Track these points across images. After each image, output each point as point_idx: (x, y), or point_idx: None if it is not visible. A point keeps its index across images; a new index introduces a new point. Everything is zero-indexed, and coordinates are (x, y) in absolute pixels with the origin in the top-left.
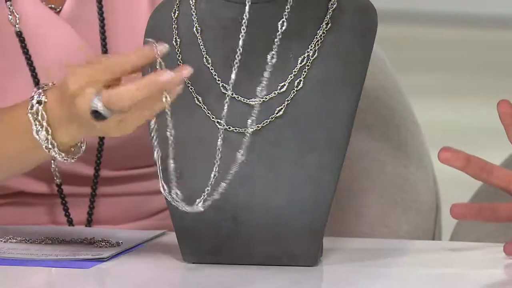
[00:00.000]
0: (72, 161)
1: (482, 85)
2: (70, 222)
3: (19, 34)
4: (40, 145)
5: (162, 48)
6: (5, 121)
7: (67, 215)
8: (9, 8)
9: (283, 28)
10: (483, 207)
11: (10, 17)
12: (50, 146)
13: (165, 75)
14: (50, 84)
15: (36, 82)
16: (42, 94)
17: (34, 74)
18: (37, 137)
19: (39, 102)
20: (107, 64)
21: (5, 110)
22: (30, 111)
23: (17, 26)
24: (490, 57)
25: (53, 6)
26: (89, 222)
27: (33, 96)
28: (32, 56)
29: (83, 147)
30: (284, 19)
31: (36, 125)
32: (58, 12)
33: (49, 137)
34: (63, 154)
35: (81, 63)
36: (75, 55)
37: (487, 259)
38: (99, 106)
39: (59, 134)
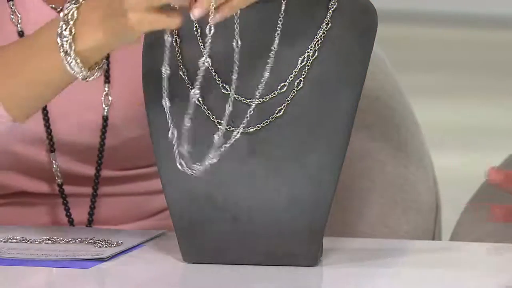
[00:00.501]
0: (87, 79)
1: (482, 85)
2: (71, 222)
3: (21, 34)
4: (59, 50)
5: None
6: (31, 39)
7: (68, 215)
8: (11, 8)
9: (284, 28)
10: None
11: (12, 16)
12: (67, 49)
13: None
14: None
15: None
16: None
17: None
18: (59, 41)
19: (76, 2)
20: None
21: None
22: (64, 12)
23: (19, 25)
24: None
25: (53, 6)
26: (90, 222)
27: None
28: None
29: (100, 72)
30: (280, 18)
31: (62, 27)
32: (59, 12)
33: (70, 38)
34: (79, 63)
35: None
36: None
37: (487, 259)
38: None
39: (83, 39)
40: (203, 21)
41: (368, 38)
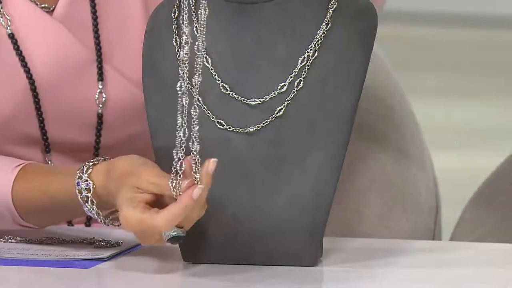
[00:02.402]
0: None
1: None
2: (69, 222)
3: (11, 36)
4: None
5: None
6: (52, 187)
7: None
8: (0, 11)
9: (284, 27)
10: None
11: (1, 19)
12: (96, 216)
13: (197, 191)
14: (90, 164)
15: (32, 83)
16: (89, 181)
17: (29, 75)
18: (89, 214)
19: (87, 190)
20: (158, 222)
21: (48, 170)
22: (79, 195)
23: (8, 28)
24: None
25: (46, 5)
26: (88, 220)
27: (79, 183)
28: (26, 57)
29: None
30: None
31: (87, 206)
32: (51, 12)
33: (100, 215)
34: (107, 221)
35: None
36: (68, 55)
37: (487, 259)
38: (180, 231)
39: (104, 207)
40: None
41: (368, 38)
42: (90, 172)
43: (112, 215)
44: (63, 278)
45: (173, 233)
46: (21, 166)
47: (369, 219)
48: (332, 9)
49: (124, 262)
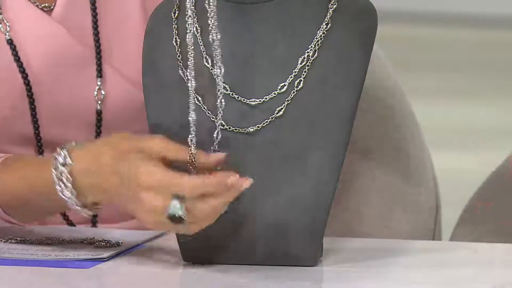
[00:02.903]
0: (95, 215)
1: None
2: (70, 222)
3: (10, 42)
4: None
5: (243, 182)
6: (29, 176)
7: (66, 217)
8: None
9: (284, 28)
10: None
11: (0, 25)
12: (73, 203)
13: (233, 179)
14: (73, 143)
15: (29, 90)
16: (67, 156)
17: (26, 81)
18: (61, 195)
19: (63, 164)
20: (184, 182)
21: (27, 160)
22: (54, 171)
23: (7, 34)
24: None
25: (46, 5)
26: (94, 222)
27: (56, 157)
28: (24, 62)
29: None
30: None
31: (60, 185)
32: (50, 11)
33: (73, 197)
34: (86, 210)
35: (157, 164)
36: (67, 55)
37: (487, 259)
38: (182, 212)
39: (85, 198)
40: (203, 21)
41: (368, 38)
42: (70, 149)
43: (93, 207)
44: (63, 278)
45: (179, 212)
46: (1, 160)
47: (369, 219)
48: (332, 9)
49: (124, 262)
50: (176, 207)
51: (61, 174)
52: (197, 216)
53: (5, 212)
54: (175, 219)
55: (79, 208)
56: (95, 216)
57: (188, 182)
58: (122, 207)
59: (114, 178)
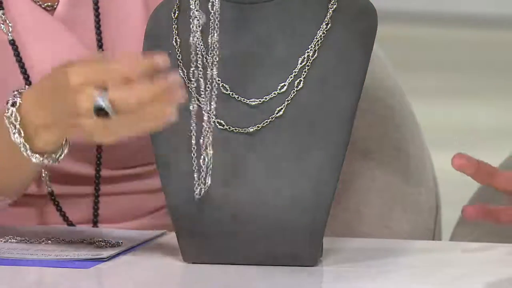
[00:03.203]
0: (55, 163)
1: (482, 85)
2: (70, 222)
3: (12, 43)
4: (19, 149)
5: (161, 59)
6: None
7: (66, 218)
8: (1, 17)
9: (284, 27)
10: (489, 210)
11: (3, 26)
12: (23, 148)
13: (174, 76)
14: (26, 87)
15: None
16: (18, 96)
17: (28, 82)
18: (13, 139)
19: (13, 104)
20: (109, 67)
21: None
22: (5, 114)
23: (10, 34)
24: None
25: (49, 4)
26: (94, 221)
27: (8, 99)
28: (26, 63)
29: (65, 150)
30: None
31: (11, 128)
32: (53, 10)
33: (22, 139)
34: (38, 156)
35: (80, 61)
36: (69, 56)
37: (487, 259)
38: (105, 103)
39: (34, 140)
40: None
41: (368, 38)
42: (21, 92)
43: (49, 153)
44: (63, 278)
45: (101, 103)
46: None
47: (369, 219)
48: (332, 9)
49: (124, 262)
50: (99, 98)
51: (11, 115)
52: (121, 107)
53: None
54: (100, 113)
55: (32, 155)
56: (95, 215)
57: (110, 68)
58: (70, 136)
59: (52, 102)
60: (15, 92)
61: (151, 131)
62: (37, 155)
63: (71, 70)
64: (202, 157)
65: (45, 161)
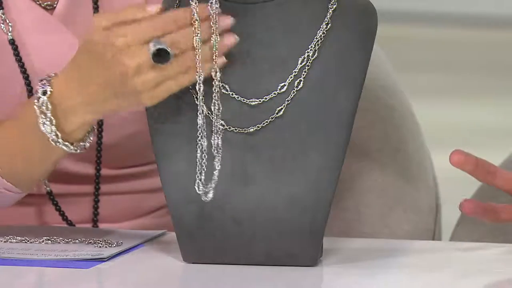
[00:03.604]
0: (82, 151)
1: (482, 85)
2: (70, 222)
3: (12, 42)
4: (47, 139)
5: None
6: (12, 122)
7: (65, 218)
8: (1, 17)
9: (284, 28)
10: (487, 207)
11: (3, 25)
12: (55, 137)
13: (227, 20)
14: (53, 74)
15: (30, 90)
16: (47, 84)
17: (27, 82)
18: (43, 129)
19: (44, 93)
20: (153, 22)
21: (15, 113)
22: (36, 103)
23: (9, 34)
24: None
25: (49, 3)
26: (94, 220)
27: (37, 88)
28: (26, 63)
29: (91, 137)
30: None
31: (42, 118)
32: (53, 9)
33: (53, 127)
34: (68, 144)
35: (116, 19)
36: (69, 55)
37: (487, 259)
38: (163, 45)
39: (67, 124)
40: None
41: (368, 38)
42: (50, 79)
43: (78, 142)
44: (63, 278)
45: (161, 45)
46: None
47: (369, 219)
48: (332, 9)
49: (124, 262)
50: (156, 42)
51: (41, 104)
52: (179, 45)
53: (7, 180)
54: (161, 57)
55: (62, 144)
56: (95, 215)
57: (161, 18)
58: (111, 110)
59: (94, 75)
60: (44, 81)
61: (200, 78)
62: (67, 143)
63: (109, 33)
64: (202, 156)
65: (73, 149)
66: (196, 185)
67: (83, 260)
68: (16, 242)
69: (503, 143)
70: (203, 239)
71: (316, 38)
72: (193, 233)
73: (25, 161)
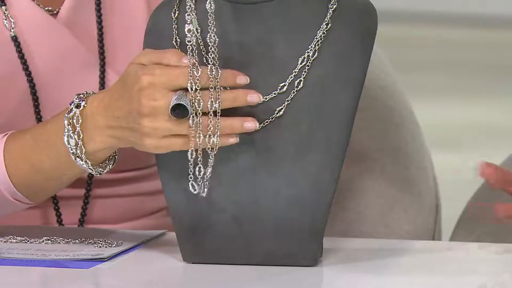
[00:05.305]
0: (100, 174)
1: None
2: (60, 224)
3: (15, 39)
4: (69, 153)
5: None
6: (38, 131)
7: (59, 220)
8: (4, 13)
9: (284, 27)
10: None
11: (5, 21)
12: (78, 152)
13: (255, 96)
14: (91, 92)
15: (32, 87)
16: (83, 99)
17: (30, 79)
18: (66, 142)
19: (77, 106)
20: (182, 71)
21: (42, 123)
22: (67, 115)
23: (12, 30)
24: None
25: (50, 8)
26: (81, 223)
27: (73, 101)
28: (28, 60)
29: (110, 165)
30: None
31: (68, 129)
32: (55, 15)
33: (79, 142)
34: (90, 163)
35: (153, 58)
36: (71, 58)
37: (487, 259)
38: (184, 100)
39: (91, 142)
40: (203, 21)
41: (368, 38)
42: (88, 95)
43: (101, 165)
44: (63, 278)
45: (183, 99)
46: (8, 134)
47: (369, 219)
48: (332, 9)
49: (124, 262)
50: (179, 95)
51: (72, 117)
52: (200, 106)
53: (18, 190)
54: (179, 112)
55: (83, 160)
56: (82, 216)
57: (187, 73)
58: (128, 140)
59: (119, 104)
60: (81, 95)
61: (219, 144)
62: (87, 161)
63: (142, 68)
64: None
65: (90, 169)
66: (190, 185)
67: (83, 260)
68: (16, 242)
69: (503, 143)
70: (203, 239)
71: (316, 38)
72: (193, 233)
73: (40, 173)
